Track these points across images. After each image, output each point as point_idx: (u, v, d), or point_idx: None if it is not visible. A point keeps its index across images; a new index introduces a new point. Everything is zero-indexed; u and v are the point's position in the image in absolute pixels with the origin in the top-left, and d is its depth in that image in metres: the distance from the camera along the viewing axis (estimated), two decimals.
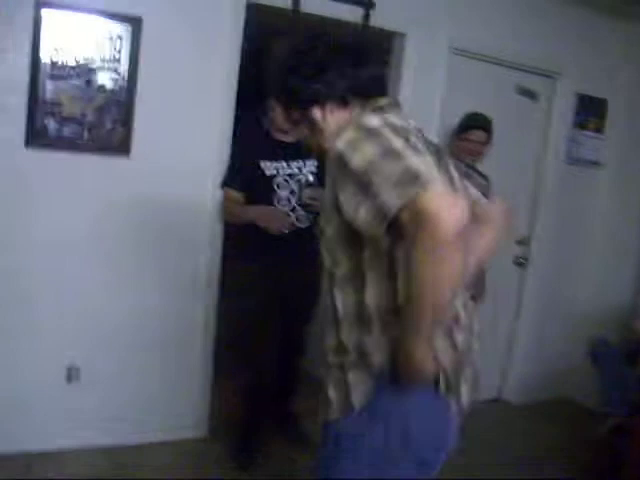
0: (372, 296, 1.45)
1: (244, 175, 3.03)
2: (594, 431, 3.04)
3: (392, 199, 1.28)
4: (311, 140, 1.66)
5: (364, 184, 1.33)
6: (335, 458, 1.54)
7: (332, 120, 1.59)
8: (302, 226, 3.06)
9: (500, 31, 3.78)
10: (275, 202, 3.04)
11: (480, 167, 3.53)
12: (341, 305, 1.51)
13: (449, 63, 3.69)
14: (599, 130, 4.34)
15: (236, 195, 3.04)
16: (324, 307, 1.60)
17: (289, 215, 3.02)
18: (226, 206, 3.09)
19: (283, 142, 3.08)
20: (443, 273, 1.28)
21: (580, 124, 4.26)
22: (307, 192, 3.01)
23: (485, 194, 3.44)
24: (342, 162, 1.39)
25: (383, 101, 1.60)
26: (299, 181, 3.07)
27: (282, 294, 3.11)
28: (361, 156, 1.35)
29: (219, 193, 3.11)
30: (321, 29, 1.70)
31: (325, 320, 1.59)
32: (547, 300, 4.40)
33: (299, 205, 3.05)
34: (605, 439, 2.87)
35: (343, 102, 1.58)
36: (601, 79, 4.28)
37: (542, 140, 4.22)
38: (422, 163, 1.33)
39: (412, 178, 1.29)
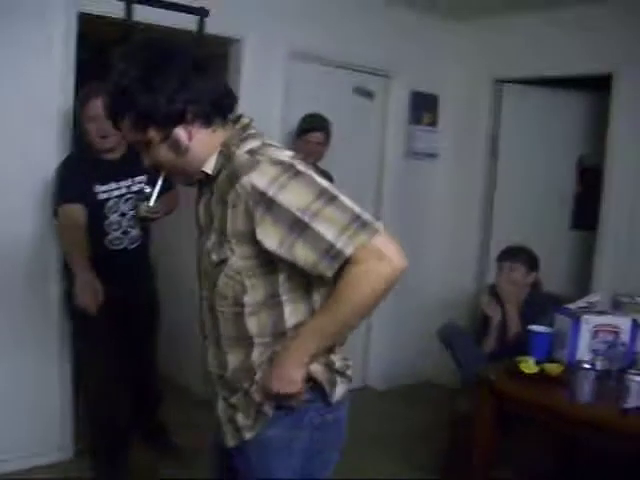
0: (290, 315, 1.50)
1: (80, 193, 2.84)
2: (453, 408, 3.23)
3: (343, 242, 1.36)
4: (170, 164, 1.53)
5: (300, 225, 1.37)
6: (266, 464, 1.57)
7: (198, 141, 1.49)
8: (135, 246, 3.01)
9: (336, 35, 3.93)
10: (106, 227, 2.91)
11: (322, 166, 3.64)
12: (256, 328, 1.50)
13: (287, 67, 3.78)
14: (433, 124, 4.60)
15: (80, 208, 2.82)
16: (216, 336, 1.57)
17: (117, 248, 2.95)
18: (72, 226, 2.85)
19: (108, 161, 2.94)
20: (372, 306, 1.44)
21: (415, 119, 4.49)
22: (144, 206, 2.85)
23: None
24: (265, 200, 1.38)
25: (245, 120, 1.57)
26: (128, 200, 2.93)
27: (123, 318, 2.99)
28: (294, 197, 1.38)
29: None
30: (160, 39, 1.57)
31: (220, 349, 1.56)
32: (399, 289, 4.57)
33: (132, 220, 2.94)
34: (464, 414, 3.06)
35: (207, 120, 1.49)
36: (432, 76, 4.54)
37: (381, 136, 4.42)
38: (355, 204, 1.42)
39: (362, 223, 1.39)
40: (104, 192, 2.90)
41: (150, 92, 1.41)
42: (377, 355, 4.65)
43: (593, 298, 2.84)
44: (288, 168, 1.42)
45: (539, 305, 3.15)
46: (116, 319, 2.93)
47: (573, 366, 2.49)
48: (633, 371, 2.28)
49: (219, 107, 1.51)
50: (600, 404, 2.28)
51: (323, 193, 1.40)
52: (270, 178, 1.39)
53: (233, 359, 1.55)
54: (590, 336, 2.60)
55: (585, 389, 2.27)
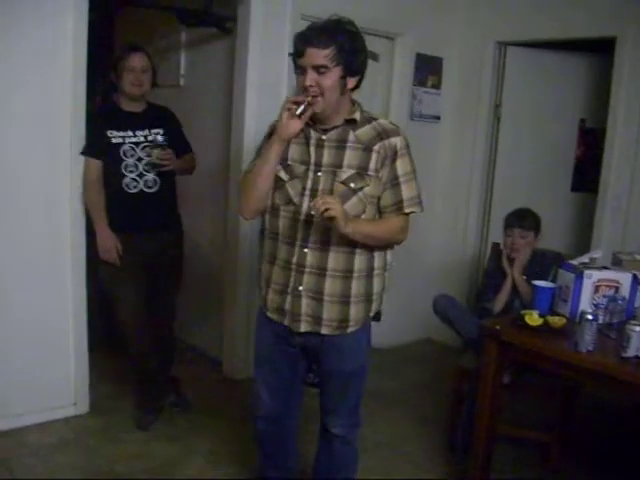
0: None
1: (97, 144, 3.15)
2: (458, 364, 3.33)
3: (409, 205, 2.15)
4: (331, 95, 2.03)
5: (397, 182, 2.12)
6: (363, 352, 2.32)
7: (349, 93, 2.13)
8: (151, 191, 3.22)
9: None
10: (123, 169, 3.14)
11: None
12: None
13: (294, 30, 3.74)
14: (437, 86, 4.64)
15: (95, 164, 3.16)
16: (324, 241, 2.12)
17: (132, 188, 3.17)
18: (88, 183, 3.17)
19: (130, 112, 3.22)
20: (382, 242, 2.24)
21: (419, 81, 4.53)
22: (156, 152, 3.16)
23: None
24: (395, 156, 2.10)
25: None
26: (145, 148, 3.18)
27: (146, 263, 3.23)
28: (403, 165, 2.12)
29: (80, 163, 3.17)
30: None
31: (326, 251, 2.13)
32: (401, 250, 4.67)
33: (148, 165, 3.18)
34: (469, 370, 3.16)
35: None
36: (437, 38, 4.57)
37: (386, 98, 4.45)
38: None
39: (420, 201, 2.20)
40: (119, 137, 3.16)
41: (362, 50, 2.12)
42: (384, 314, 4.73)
43: (595, 254, 2.92)
44: (408, 145, 2.15)
45: (541, 263, 3.23)
46: (137, 262, 3.20)
47: (575, 319, 2.58)
48: (633, 322, 2.37)
49: None
50: (601, 354, 2.37)
51: (414, 170, 2.17)
52: (402, 145, 2.12)
53: (335, 263, 2.13)
54: (592, 290, 2.68)
55: (587, 339, 2.35)
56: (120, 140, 3.16)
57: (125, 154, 3.16)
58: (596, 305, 2.66)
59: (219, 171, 4.00)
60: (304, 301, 2.16)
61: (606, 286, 2.70)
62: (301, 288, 2.15)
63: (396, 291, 4.72)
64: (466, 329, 3.22)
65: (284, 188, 2.15)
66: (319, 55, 1.99)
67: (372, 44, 4.24)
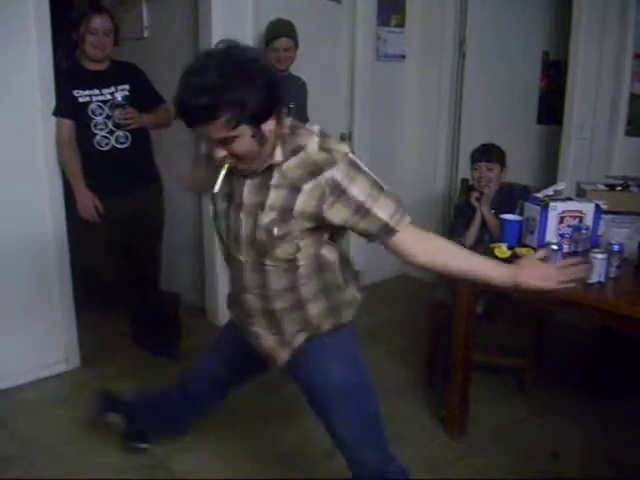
0: (328, 253, 1.88)
1: (67, 103, 3.17)
2: (433, 298, 3.46)
3: (395, 221, 1.76)
4: (251, 154, 1.68)
5: (363, 210, 1.72)
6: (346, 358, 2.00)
7: (269, 132, 1.67)
8: (124, 147, 3.27)
9: None
10: (92, 127, 3.20)
11: (293, 71, 3.72)
12: (304, 273, 1.83)
13: None
14: (400, 25, 4.65)
15: (67, 124, 3.18)
16: (262, 288, 1.87)
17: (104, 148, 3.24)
18: (61, 144, 3.18)
19: (94, 71, 3.25)
20: None
21: (383, 21, 4.54)
22: (117, 113, 3.21)
23: (302, 99, 3.71)
24: (339, 190, 1.68)
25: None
26: (112, 105, 3.23)
27: (124, 219, 3.31)
28: (359, 188, 1.70)
29: (52, 123, 3.18)
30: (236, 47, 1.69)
31: (267, 298, 1.88)
32: None
33: (115, 126, 3.23)
34: (443, 303, 3.29)
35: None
36: None
37: (351, 40, 4.46)
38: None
39: (402, 211, 1.78)
40: (86, 96, 3.20)
41: (248, 86, 1.56)
42: (355, 254, 4.83)
43: (559, 187, 3.02)
44: (353, 163, 1.72)
45: (508, 196, 3.34)
46: (116, 219, 3.28)
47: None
48: (596, 250, 2.50)
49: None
50: None
51: (375, 183, 1.74)
52: (343, 175, 1.68)
53: (282, 303, 1.87)
54: (557, 221, 2.79)
55: None
56: (87, 99, 3.20)
57: (93, 112, 3.20)
58: (561, 235, 2.77)
59: None
60: (266, 339, 1.98)
61: (570, 216, 2.81)
62: (259, 330, 1.98)
63: None
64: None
65: (215, 221, 1.93)
66: (215, 129, 1.59)
67: None
